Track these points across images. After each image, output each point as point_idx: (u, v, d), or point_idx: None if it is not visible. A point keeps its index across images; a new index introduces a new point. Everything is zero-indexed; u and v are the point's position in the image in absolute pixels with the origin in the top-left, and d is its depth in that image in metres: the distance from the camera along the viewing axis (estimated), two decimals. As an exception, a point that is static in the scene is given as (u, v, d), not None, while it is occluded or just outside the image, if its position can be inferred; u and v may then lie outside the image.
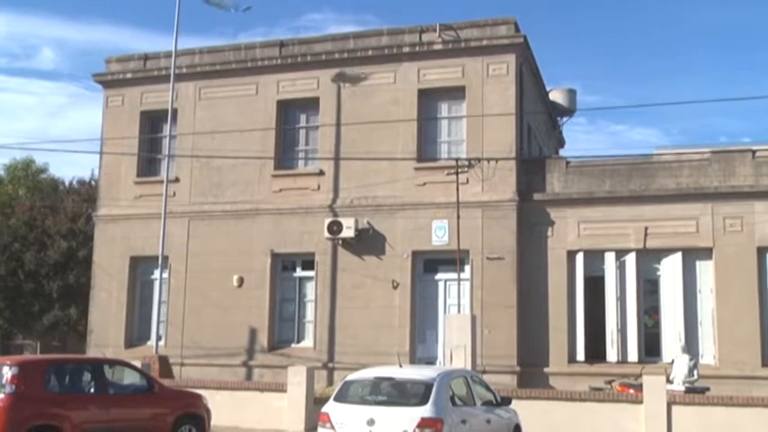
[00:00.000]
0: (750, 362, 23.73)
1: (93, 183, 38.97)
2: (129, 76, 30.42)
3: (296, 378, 20.38)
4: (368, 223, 26.66)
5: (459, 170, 25.11)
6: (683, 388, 20.03)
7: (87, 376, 15.45)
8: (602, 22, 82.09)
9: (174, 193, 28.37)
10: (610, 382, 22.05)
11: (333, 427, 12.83)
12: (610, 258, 25.50)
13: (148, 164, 30.34)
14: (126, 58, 31.22)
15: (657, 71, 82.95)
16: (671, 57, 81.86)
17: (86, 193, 39.20)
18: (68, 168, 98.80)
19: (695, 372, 20.78)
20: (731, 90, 79.43)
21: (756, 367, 23.69)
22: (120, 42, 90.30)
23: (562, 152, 37.79)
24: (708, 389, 20.26)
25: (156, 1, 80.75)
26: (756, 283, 24.17)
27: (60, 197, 40.48)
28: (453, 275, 25.41)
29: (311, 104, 28.39)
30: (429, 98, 27.32)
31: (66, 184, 43.39)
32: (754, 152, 25.10)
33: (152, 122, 30.32)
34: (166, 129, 28.44)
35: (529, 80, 28.34)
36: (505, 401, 15.29)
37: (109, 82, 30.76)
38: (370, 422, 12.48)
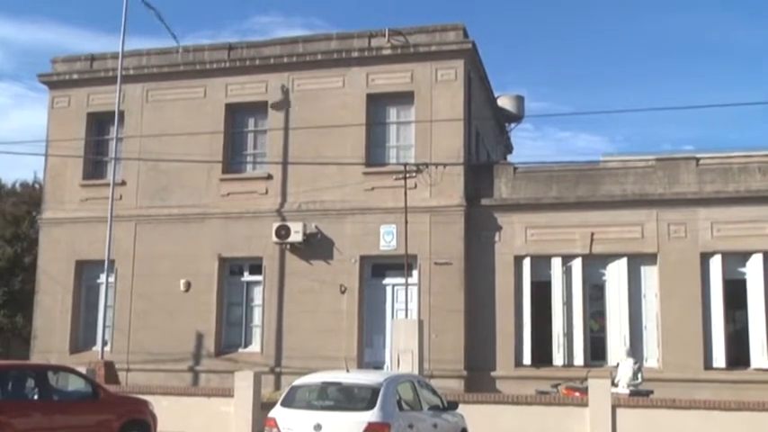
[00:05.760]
0: (693, 365, 24.12)
1: (35, 185, 38.36)
2: (75, 76, 30.05)
3: (243, 383, 20.24)
4: (316, 228, 26.62)
5: (408, 175, 25.13)
6: (627, 391, 20.26)
7: (31, 383, 15.17)
8: (550, 30, 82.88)
9: (121, 197, 28.05)
10: (556, 386, 22.16)
11: (280, 433, 12.78)
12: (556, 263, 25.74)
13: (95, 166, 29.99)
14: (72, 58, 30.84)
15: (603, 79, 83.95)
16: (616, 64, 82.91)
17: (27, 195, 38.54)
18: (11, 171, 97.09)
19: (639, 375, 21.05)
20: (675, 98, 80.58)
21: (699, 370, 24.07)
22: (65, 43, 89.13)
23: (510, 158, 38.18)
24: (652, 392, 20.51)
25: (103, 1, 79.68)
26: (699, 288, 24.60)
27: (0, 198, 39.72)
28: (401, 280, 25.47)
29: (260, 108, 28.29)
30: (378, 103, 27.37)
31: (9, 186, 42.55)
32: (697, 160, 25.57)
33: (99, 124, 29.96)
34: (113, 131, 28.14)
35: (477, 86, 28.53)
36: (452, 406, 15.32)
37: (54, 83, 30.35)
38: (317, 427, 12.43)
